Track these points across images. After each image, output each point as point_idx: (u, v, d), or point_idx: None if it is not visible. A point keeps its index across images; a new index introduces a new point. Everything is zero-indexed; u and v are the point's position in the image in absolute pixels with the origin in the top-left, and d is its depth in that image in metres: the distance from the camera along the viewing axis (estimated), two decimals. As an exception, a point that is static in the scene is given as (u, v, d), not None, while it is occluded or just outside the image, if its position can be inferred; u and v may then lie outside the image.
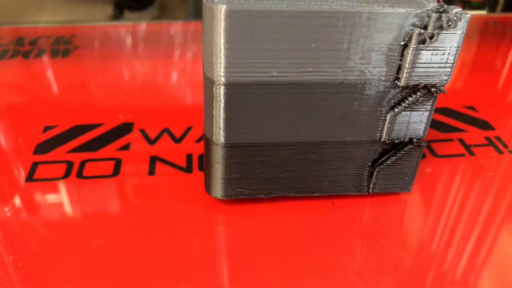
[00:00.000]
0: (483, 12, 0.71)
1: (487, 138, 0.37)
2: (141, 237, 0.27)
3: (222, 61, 0.23)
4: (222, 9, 0.22)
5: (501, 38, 0.57)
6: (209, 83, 0.25)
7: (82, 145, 0.34)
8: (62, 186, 0.30)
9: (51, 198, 0.30)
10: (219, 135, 0.26)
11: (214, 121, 0.26)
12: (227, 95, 0.24)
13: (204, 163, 0.29)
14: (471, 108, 0.41)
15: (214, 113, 0.25)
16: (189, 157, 0.33)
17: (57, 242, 0.27)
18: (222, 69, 0.24)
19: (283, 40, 0.23)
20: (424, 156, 0.34)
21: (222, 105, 0.25)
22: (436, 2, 0.24)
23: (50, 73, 0.44)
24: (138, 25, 0.55)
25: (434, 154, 0.35)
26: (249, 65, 0.24)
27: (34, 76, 0.44)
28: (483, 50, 0.54)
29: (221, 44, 0.23)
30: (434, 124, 0.38)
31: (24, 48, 0.49)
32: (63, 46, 0.49)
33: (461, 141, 0.36)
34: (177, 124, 0.37)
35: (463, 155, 0.35)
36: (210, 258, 0.26)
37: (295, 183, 0.29)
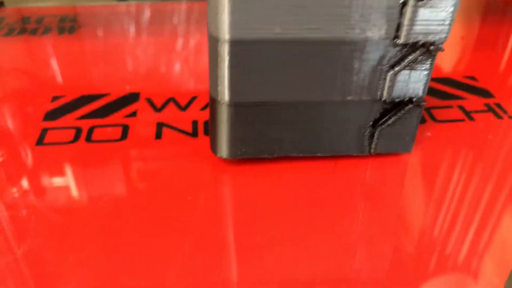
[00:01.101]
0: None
1: (487, 105, 0.37)
2: (148, 196, 0.28)
3: (227, 18, 0.24)
4: (226, -35, 0.23)
5: (501, 15, 0.58)
6: (213, 42, 0.25)
7: (90, 112, 0.35)
8: (71, 149, 0.31)
9: (60, 161, 0.31)
10: (224, 94, 0.27)
11: (219, 80, 0.26)
12: (232, 52, 0.25)
13: (210, 123, 0.29)
14: (472, 78, 0.41)
15: (218, 72, 0.26)
16: (195, 123, 0.34)
17: (68, 203, 0.28)
18: (226, 26, 0.24)
19: (286, -4, 0.24)
20: (424, 121, 0.35)
21: (226, 63, 0.26)
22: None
23: (56, 48, 0.45)
24: (143, 4, 0.55)
25: (434, 119, 0.35)
26: (253, 22, 0.24)
27: (41, 51, 0.45)
28: (483, 26, 0.54)
29: (225, 1, 0.24)
30: (434, 93, 0.39)
31: (31, 26, 0.49)
32: (69, 24, 0.50)
33: (461, 107, 0.37)
34: (182, 94, 0.38)
35: (462, 120, 0.35)
36: (216, 215, 0.27)
37: (298, 143, 0.30)
